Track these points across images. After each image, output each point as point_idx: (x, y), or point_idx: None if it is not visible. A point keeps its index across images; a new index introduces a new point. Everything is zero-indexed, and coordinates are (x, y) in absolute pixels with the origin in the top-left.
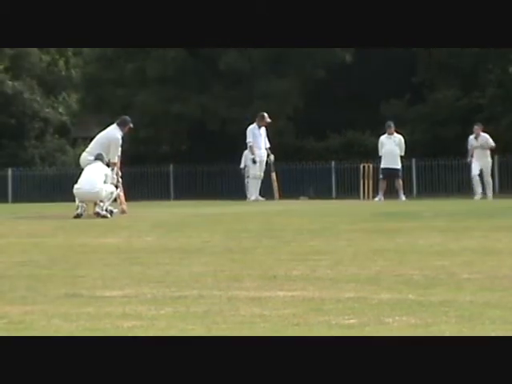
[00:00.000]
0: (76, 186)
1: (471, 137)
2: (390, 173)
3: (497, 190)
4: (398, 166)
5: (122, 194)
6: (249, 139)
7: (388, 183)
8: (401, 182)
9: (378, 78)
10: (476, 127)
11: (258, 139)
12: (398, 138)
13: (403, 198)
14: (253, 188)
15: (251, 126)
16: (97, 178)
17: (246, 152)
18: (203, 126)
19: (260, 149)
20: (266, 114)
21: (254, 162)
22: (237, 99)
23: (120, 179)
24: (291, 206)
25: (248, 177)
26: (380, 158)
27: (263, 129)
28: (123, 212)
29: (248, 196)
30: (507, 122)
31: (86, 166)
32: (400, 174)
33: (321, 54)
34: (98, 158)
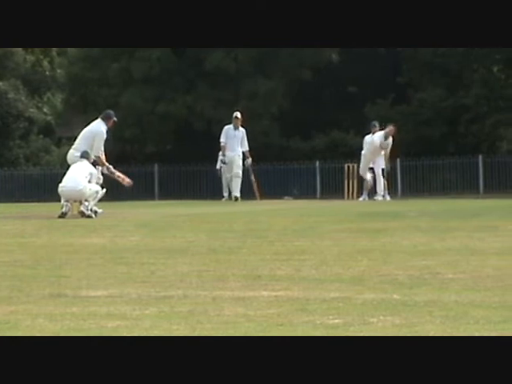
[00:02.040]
0: (60, 185)
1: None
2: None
3: (481, 190)
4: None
5: (119, 174)
6: (221, 139)
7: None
8: (384, 181)
9: (363, 78)
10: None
11: (233, 140)
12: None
13: (388, 197)
14: (236, 186)
15: (226, 127)
16: (81, 176)
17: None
18: (189, 126)
19: (233, 150)
20: (237, 114)
21: (223, 162)
22: (222, 99)
23: (113, 170)
24: (276, 206)
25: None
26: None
27: (241, 130)
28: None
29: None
30: (492, 122)
31: (73, 162)
32: (382, 173)
33: (306, 54)
34: (84, 156)
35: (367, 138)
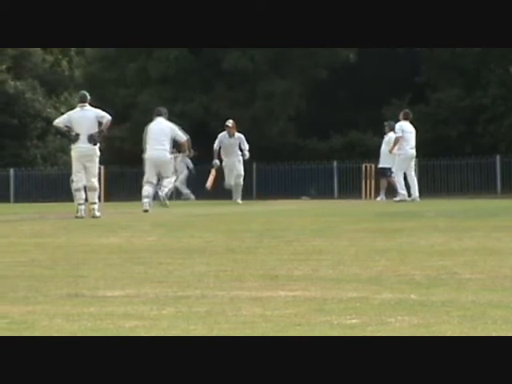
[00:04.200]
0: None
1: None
2: (380, 172)
3: (499, 190)
4: (384, 164)
5: None
6: (215, 145)
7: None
8: (385, 182)
9: (380, 78)
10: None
11: (228, 148)
12: (389, 136)
13: (379, 198)
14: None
15: (221, 134)
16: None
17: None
18: (205, 126)
19: (230, 158)
20: (228, 122)
21: (213, 166)
22: (239, 99)
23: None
24: (293, 206)
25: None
26: None
27: (237, 137)
28: None
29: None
30: (510, 122)
31: (162, 158)
32: (387, 172)
33: (323, 54)
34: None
35: (386, 138)
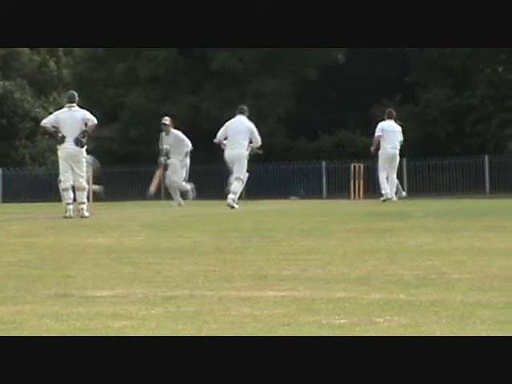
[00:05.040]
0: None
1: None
2: None
3: (487, 190)
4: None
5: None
6: (159, 146)
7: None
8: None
9: (370, 78)
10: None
11: (169, 145)
12: None
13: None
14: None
15: (162, 133)
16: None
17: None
18: (195, 126)
19: (172, 154)
20: (164, 120)
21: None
22: (228, 99)
23: None
24: (282, 206)
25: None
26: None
27: (172, 135)
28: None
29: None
30: (498, 122)
31: (238, 155)
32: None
33: (313, 54)
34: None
35: None
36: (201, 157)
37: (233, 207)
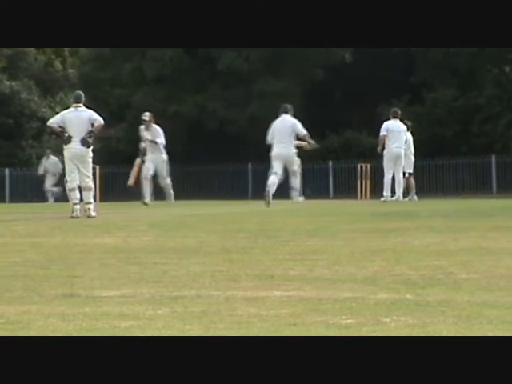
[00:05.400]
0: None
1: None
2: None
3: (494, 190)
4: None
5: None
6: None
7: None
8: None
9: (376, 78)
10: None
11: (146, 143)
12: None
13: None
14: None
15: (141, 127)
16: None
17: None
18: (201, 126)
19: (152, 153)
20: (144, 115)
21: (143, 161)
22: (234, 99)
23: None
24: (288, 206)
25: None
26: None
27: (153, 129)
28: None
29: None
30: (505, 122)
31: (285, 154)
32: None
33: (319, 54)
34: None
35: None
36: (206, 157)
37: (298, 202)
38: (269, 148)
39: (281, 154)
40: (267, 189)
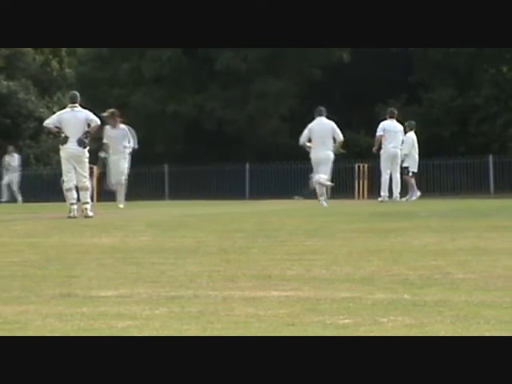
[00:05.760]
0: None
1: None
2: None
3: (492, 190)
4: (405, 164)
5: None
6: (104, 139)
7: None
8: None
9: (374, 78)
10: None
11: (112, 140)
12: (407, 136)
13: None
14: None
15: (106, 127)
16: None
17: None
18: (199, 126)
19: (112, 151)
20: (108, 110)
21: (103, 162)
22: (232, 99)
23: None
24: (286, 206)
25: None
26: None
27: (121, 128)
28: None
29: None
30: (502, 122)
31: (323, 155)
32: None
33: (317, 54)
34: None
35: (405, 138)
36: (204, 157)
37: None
38: (268, 148)
39: (319, 157)
40: (318, 189)
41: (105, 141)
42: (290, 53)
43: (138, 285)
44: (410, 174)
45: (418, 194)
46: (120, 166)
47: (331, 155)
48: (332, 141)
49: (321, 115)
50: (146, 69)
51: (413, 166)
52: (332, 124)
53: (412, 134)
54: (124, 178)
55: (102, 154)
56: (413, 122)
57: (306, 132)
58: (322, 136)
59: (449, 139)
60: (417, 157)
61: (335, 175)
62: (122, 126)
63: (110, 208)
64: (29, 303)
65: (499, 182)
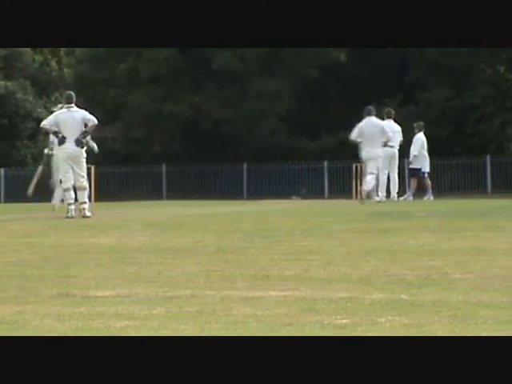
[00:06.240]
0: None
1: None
2: (411, 172)
3: (489, 190)
4: (415, 165)
5: None
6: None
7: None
8: (415, 182)
9: (370, 78)
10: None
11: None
12: (416, 138)
13: (406, 196)
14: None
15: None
16: None
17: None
18: (196, 126)
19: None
20: (57, 107)
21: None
22: (229, 99)
23: None
24: (283, 206)
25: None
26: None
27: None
28: None
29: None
30: (499, 122)
31: (374, 155)
32: (418, 173)
33: (313, 54)
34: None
35: (414, 138)
36: (201, 157)
37: (379, 202)
38: (265, 148)
39: (368, 155)
40: (363, 187)
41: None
42: (286, 53)
43: (136, 285)
44: (426, 175)
45: (411, 198)
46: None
47: (379, 153)
48: (380, 140)
49: (370, 115)
50: (143, 69)
51: (426, 166)
52: (380, 124)
53: (421, 135)
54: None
55: (46, 151)
56: (421, 123)
57: (356, 130)
58: (370, 135)
59: (446, 139)
60: (428, 157)
61: (333, 175)
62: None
63: (108, 208)
64: (26, 303)
65: (496, 182)
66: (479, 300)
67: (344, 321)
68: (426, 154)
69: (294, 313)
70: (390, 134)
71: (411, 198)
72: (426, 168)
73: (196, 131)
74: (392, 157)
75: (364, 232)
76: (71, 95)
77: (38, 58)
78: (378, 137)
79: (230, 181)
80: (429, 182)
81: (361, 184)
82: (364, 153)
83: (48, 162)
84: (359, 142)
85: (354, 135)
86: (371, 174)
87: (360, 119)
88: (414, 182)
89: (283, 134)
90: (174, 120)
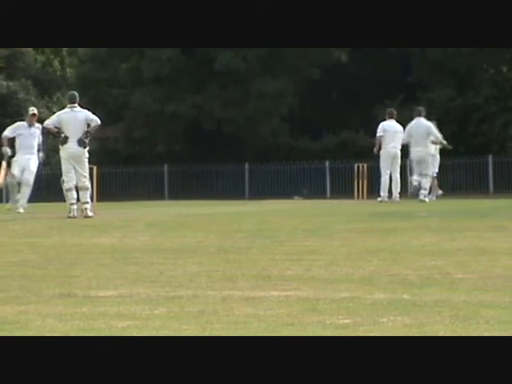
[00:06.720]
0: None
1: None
2: None
3: (491, 190)
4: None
5: None
6: (7, 133)
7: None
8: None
9: (372, 78)
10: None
11: (28, 139)
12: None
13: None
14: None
15: (18, 124)
16: None
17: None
18: (198, 126)
19: (21, 149)
20: (32, 108)
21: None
22: (232, 99)
23: None
24: (285, 206)
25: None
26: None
27: (36, 127)
28: None
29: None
30: (502, 122)
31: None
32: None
33: (315, 54)
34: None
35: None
36: (203, 157)
37: (424, 201)
38: (267, 148)
39: (415, 156)
40: (422, 191)
41: (11, 135)
42: (288, 53)
43: (138, 285)
44: (435, 174)
45: (435, 196)
46: (29, 165)
47: (428, 153)
48: (428, 140)
49: (419, 116)
50: (146, 69)
51: (436, 166)
52: (428, 125)
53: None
54: (31, 178)
55: (8, 151)
56: (434, 122)
57: (406, 131)
58: (418, 136)
59: (448, 139)
60: (438, 157)
61: (334, 175)
62: (38, 125)
63: (110, 208)
64: (28, 303)
65: (498, 182)
66: (481, 300)
67: (346, 321)
68: (436, 154)
69: (295, 313)
70: (438, 135)
71: (434, 198)
72: (436, 168)
73: (198, 131)
74: (394, 157)
75: (366, 232)
76: (74, 95)
77: (40, 58)
78: (424, 138)
79: (231, 181)
80: (436, 183)
81: (361, 184)
82: (411, 153)
83: (8, 163)
84: (407, 142)
85: (405, 138)
86: (425, 175)
87: (361, 119)
88: (433, 183)
89: (285, 133)
90: (177, 120)
